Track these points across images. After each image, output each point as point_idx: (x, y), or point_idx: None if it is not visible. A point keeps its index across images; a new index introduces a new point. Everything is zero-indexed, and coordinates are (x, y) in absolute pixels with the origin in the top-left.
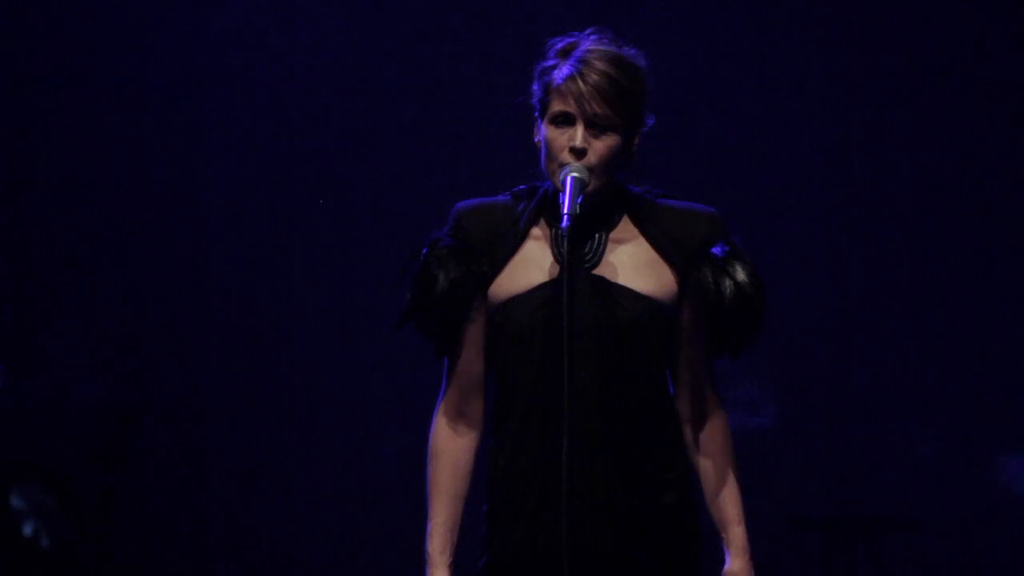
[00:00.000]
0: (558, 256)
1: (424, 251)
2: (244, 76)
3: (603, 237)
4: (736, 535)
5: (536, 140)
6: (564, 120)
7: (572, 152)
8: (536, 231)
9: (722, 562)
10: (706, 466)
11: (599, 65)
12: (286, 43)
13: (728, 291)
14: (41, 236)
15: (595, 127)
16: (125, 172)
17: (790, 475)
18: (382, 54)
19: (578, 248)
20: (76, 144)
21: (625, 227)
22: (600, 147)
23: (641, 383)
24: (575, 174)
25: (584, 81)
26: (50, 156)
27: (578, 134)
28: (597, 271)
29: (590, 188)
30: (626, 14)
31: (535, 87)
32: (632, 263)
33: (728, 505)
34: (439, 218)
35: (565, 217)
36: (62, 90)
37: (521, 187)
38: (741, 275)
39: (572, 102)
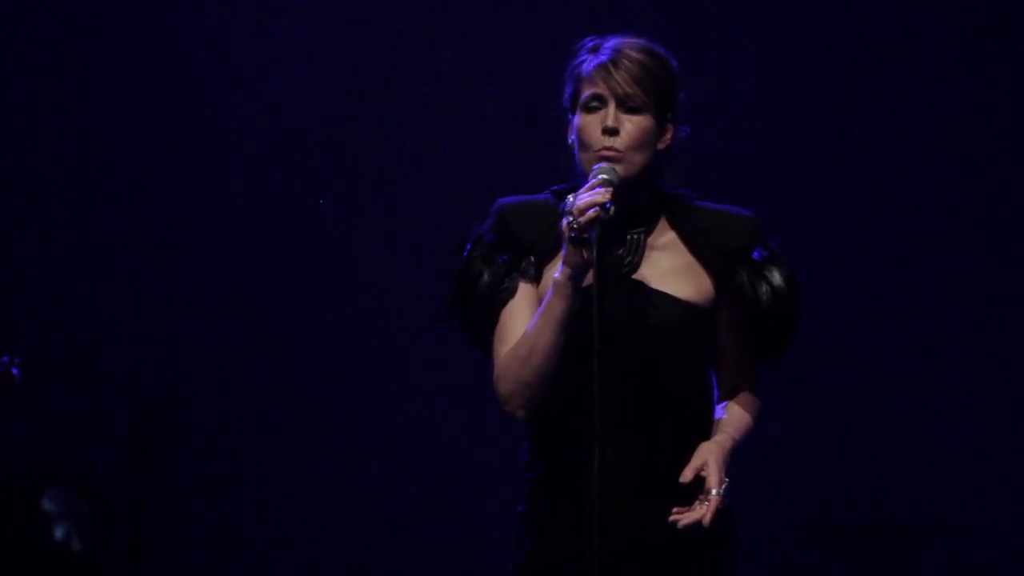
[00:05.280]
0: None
1: (467, 247)
2: (273, 80)
3: (641, 240)
4: (725, 429)
5: (570, 141)
6: (596, 102)
7: (605, 132)
8: None
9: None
10: (718, 416)
11: (631, 53)
12: (318, 42)
13: (765, 296)
14: (71, 242)
15: (626, 107)
16: (160, 182)
17: (820, 480)
18: (414, 51)
19: (615, 251)
20: (108, 151)
21: (663, 230)
22: (631, 127)
23: (679, 388)
24: (604, 176)
25: (616, 66)
26: (83, 164)
27: (610, 112)
28: (635, 275)
29: (623, 173)
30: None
31: (566, 86)
32: (670, 267)
33: (726, 420)
34: (462, 222)
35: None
36: (91, 106)
37: (563, 185)
38: (778, 280)
39: (602, 84)
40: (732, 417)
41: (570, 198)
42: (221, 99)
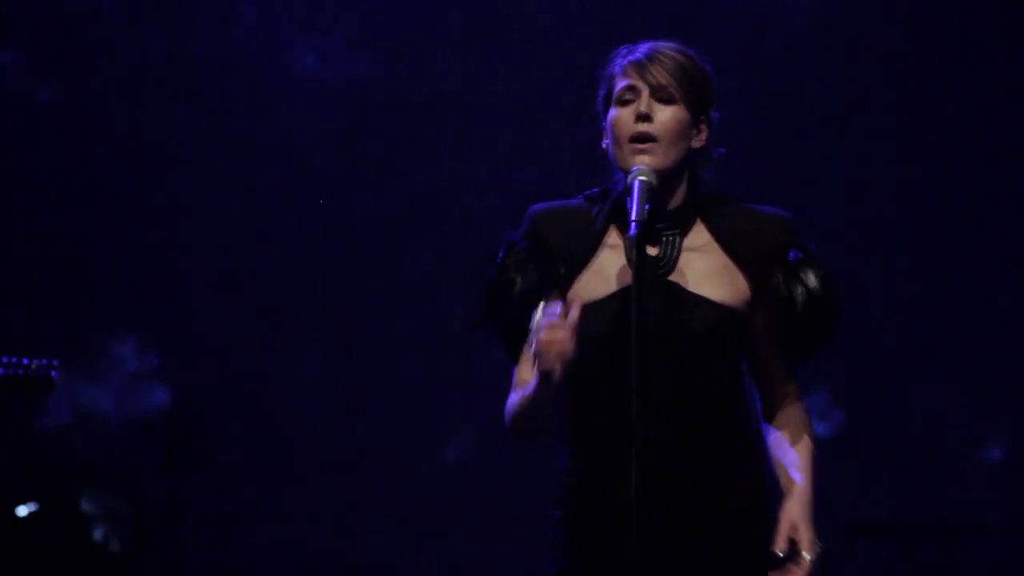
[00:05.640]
0: (631, 263)
1: (500, 254)
2: (305, 83)
3: (677, 242)
4: (798, 480)
5: (604, 144)
6: (630, 94)
7: (638, 118)
8: (610, 236)
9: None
10: (782, 461)
11: (665, 50)
12: (351, 45)
13: (801, 297)
14: (108, 241)
15: (660, 96)
16: (202, 183)
17: (856, 482)
18: (456, 59)
19: (651, 252)
20: (149, 153)
21: (699, 231)
22: (665, 116)
23: (715, 391)
24: (643, 178)
25: (649, 60)
26: (119, 163)
27: (643, 100)
28: (671, 277)
29: (656, 165)
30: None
31: (600, 89)
32: (706, 269)
33: (795, 466)
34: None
35: (633, 225)
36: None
37: (594, 189)
38: (813, 281)
39: (635, 75)
40: (801, 457)
41: (537, 316)
42: (295, 106)
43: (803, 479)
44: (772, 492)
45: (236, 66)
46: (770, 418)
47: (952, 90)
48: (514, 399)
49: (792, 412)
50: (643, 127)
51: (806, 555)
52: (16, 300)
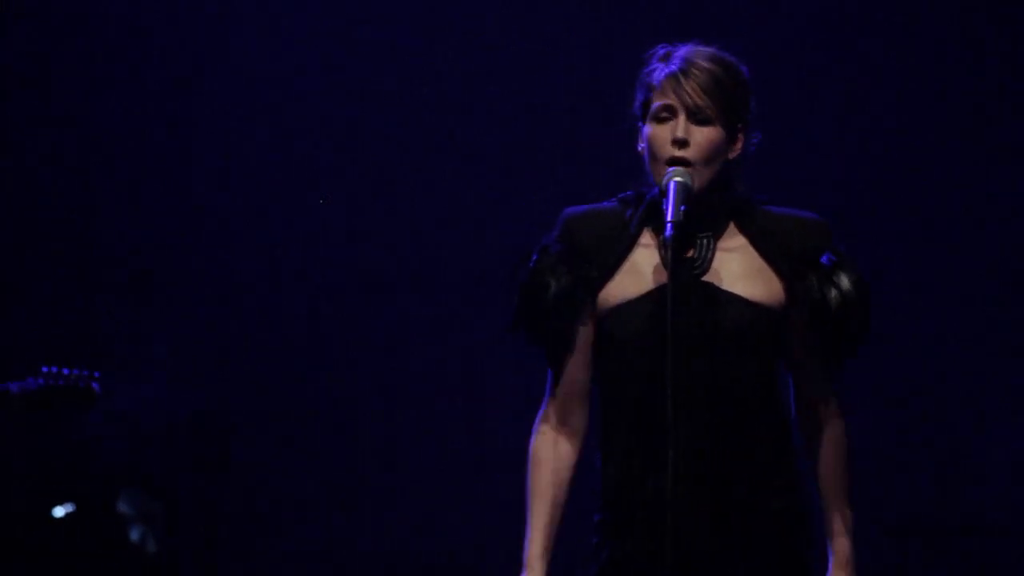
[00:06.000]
0: (665, 263)
1: (534, 258)
2: (341, 77)
3: (711, 242)
4: (840, 547)
5: (640, 148)
6: (666, 113)
7: (674, 143)
8: (644, 238)
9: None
10: (819, 473)
11: (700, 63)
12: (387, 45)
13: (833, 300)
14: (139, 244)
15: (696, 119)
16: (226, 184)
17: (891, 482)
18: (494, 59)
19: (685, 254)
20: (175, 151)
21: (732, 233)
22: (701, 138)
23: (749, 390)
24: (678, 179)
25: (686, 76)
26: (143, 163)
27: (680, 124)
28: (705, 277)
29: (694, 187)
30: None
31: (637, 94)
32: (740, 270)
33: (835, 516)
34: (538, 226)
35: (669, 225)
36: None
37: (628, 193)
38: (846, 284)
39: (672, 95)
40: (837, 509)
41: None
42: (331, 101)
43: (845, 544)
44: (806, 491)
45: (239, 66)
46: (805, 422)
47: (952, 89)
48: (529, 478)
49: (830, 432)
50: (680, 153)
51: None
52: (47, 302)
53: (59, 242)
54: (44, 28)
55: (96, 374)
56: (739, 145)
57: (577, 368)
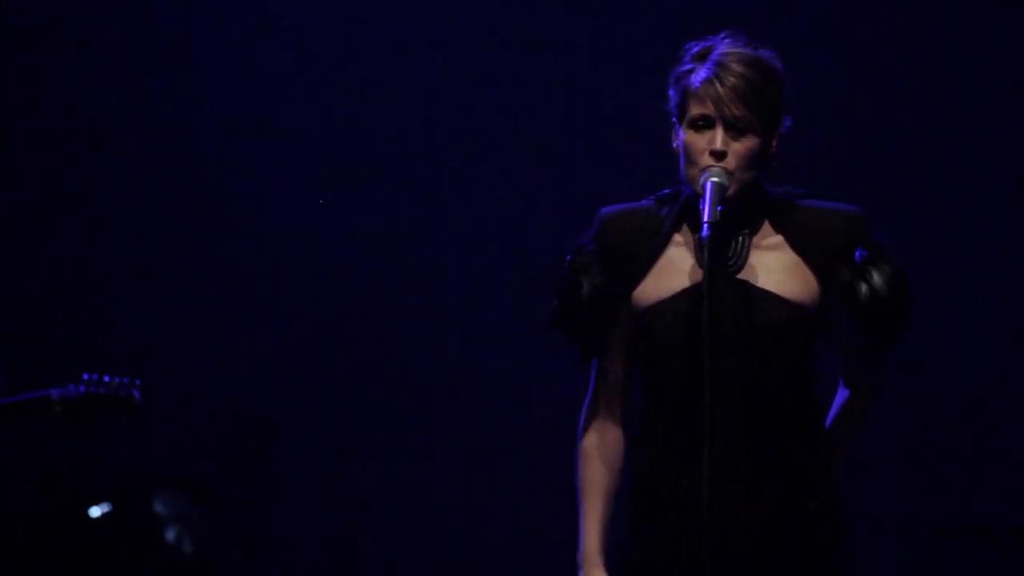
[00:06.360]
0: (701, 261)
1: (568, 257)
2: (376, 78)
3: (746, 240)
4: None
5: (674, 146)
6: (703, 123)
7: (712, 155)
8: (679, 236)
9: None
10: (835, 420)
11: (736, 67)
12: (418, 44)
13: (864, 296)
14: (179, 246)
15: (734, 129)
16: (270, 186)
17: (942, 483)
18: (527, 59)
19: (721, 251)
20: (206, 151)
21: (767, 230)
22: (740, 149)
23: (784, 388)
24: (715, 179)
25: (722, 83)
26: (177, 161)
27: (717, 137)
28: (741, 275)
29: (731, 193)
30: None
31: (671, 92)
32: (776, 267)
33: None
34: (582, 224)
35: (705, 226)
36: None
37: (665, 191)
38: (878, 280)
39: (710, 105)
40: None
41: None
42: (369, 102)
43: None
44: (840, 490)
45: (238, 66)
46: (842, 393)
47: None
48: (580, 472)
49: (856, 396)
50: (718, 165)
51: None
52: (84, 302)
53: (106, 240)
54: (41, 22)
55: (137, 381)
56: (775, 143)
57: (616, 365)
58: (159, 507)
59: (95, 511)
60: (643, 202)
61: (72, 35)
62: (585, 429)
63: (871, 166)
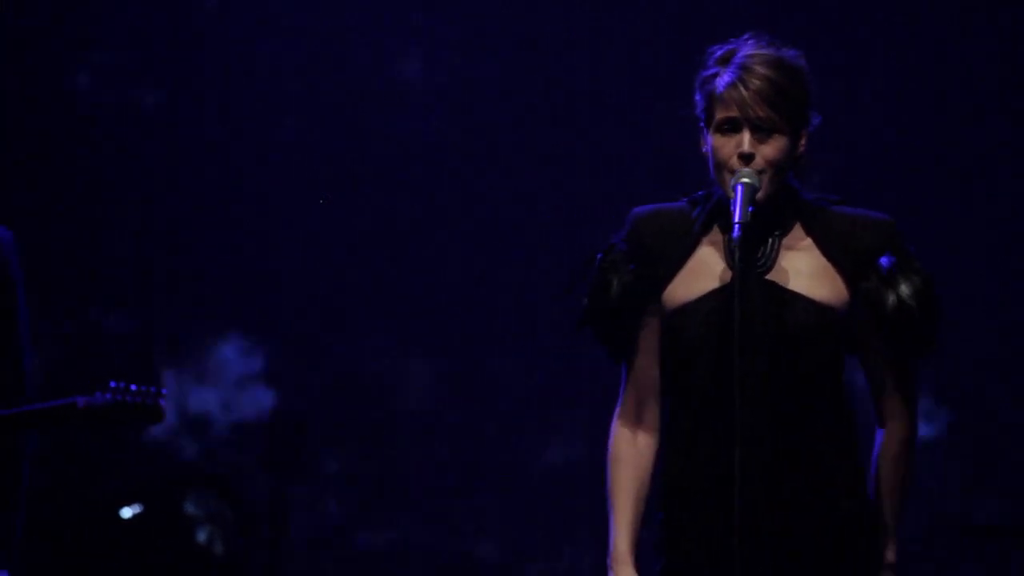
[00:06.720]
0: (731, 262)
1: (599, 256)
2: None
3: (776, 242)
4: (883, 547)
5: (703, 150)
6: (730, 127)
7: (740, 158)
8: (709, 236)
9: (902, 569)
10: (877, 472)
11: (760, 69)
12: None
13: (891, 304)
14: (213, 243)
15: (761, 131)
16: (306, 185)
17: (964, 483)
18: (573, 62)
19: (751, 253)
20: (250, 154)
21: (798, 232)
22: (767, 151)
23: (814, 390)
24: (745, 180)
25: (746, 87)
26: (221, 164)
27: (745, 139)
28: (770, 276)
29: (761, 194)
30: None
31: (697, 97)
32: (805, 270)
33: (882, 514)
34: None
35: (736, 227)
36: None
37: (699, 193)
38: (905, 289)
39: (736, 108)
40: (887, 510)
41: None
42: (401, 105)
43: (890, 540)
44: (868, 491)
45: (239, 65)
46: (877, 416)
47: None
48: (610, 474)
49: (892, 432)
50: (746, 168)
51: None
52: (120, 302)
53: (136, 239)
54: (41, 22)
55: (164, 391)
56: (804, 142)
57: (647, 366)
58: (191, 508)
59: (127, 512)
60: (676, 203)
61: (72, 35)
62: (616, 433)
63: (871, 166)
